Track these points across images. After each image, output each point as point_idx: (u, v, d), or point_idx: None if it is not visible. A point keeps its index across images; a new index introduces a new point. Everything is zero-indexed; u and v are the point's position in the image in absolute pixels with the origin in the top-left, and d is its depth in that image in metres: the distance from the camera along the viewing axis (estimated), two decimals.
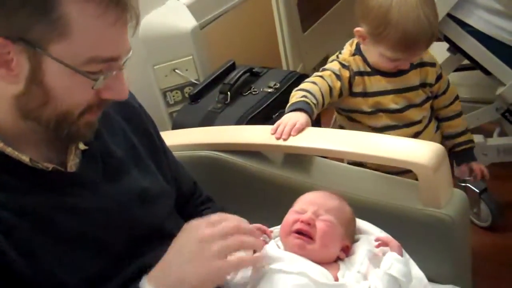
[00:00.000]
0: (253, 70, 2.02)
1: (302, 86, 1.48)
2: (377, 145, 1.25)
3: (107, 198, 0.99)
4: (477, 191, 1.90)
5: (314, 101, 1.42)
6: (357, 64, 1.53)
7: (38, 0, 0.81)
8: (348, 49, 1.61)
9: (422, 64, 1.54)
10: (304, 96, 1.43)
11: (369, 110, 1.50)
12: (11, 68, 0.84)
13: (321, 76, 1.50)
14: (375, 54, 1.48)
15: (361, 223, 1.15)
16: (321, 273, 1.00)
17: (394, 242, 1.08)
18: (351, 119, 1.55)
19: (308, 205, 1.08)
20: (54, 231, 0.91)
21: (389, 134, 1.47)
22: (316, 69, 2.53)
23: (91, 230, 0.95)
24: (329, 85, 1.47)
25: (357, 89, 1.51)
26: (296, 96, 1.45)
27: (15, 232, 0.87)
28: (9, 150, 0.90)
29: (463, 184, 1.85)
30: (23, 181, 0.90)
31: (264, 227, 1.10)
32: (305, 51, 2.24)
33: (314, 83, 1.48)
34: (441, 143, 1.44)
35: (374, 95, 1.50)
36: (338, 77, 1.49)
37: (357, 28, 1.50)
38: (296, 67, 2.19)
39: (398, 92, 1.51)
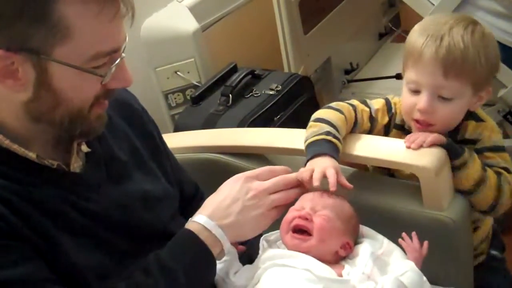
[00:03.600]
0: (255, 72, 2.03)
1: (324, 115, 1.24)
2: (379, 148, 1.24)
3: (110, 201, 1.00)
4: None
5: (338, 136, 1.20)
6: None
7: (35, 8, 0.81)
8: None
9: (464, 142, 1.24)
10: (327, 132, 1.19)
11: None
12: (17, 77, 0.85)
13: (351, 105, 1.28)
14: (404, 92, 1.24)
15: (364, 229, 1.15)
16: (325, 269, 1.01)
17: (417, 252, 1.08)
18: None
19: (307, 202, 1.09)
20: (64, 222, 0.92)
21: None
22: (317, 71, 2.53)
23: (95, 229, 0.96)
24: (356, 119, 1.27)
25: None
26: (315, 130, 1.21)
27: (31, 219, 0.89)
28: (15, 147, 0.91)
29: None
30: (31, 176, 0.92)
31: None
32: (307, 53, 2.23)
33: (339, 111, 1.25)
34: None
35: None
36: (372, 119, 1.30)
37: None
38: (297, 69, 2.19)
39: None
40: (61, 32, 0.83)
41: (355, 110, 1.27)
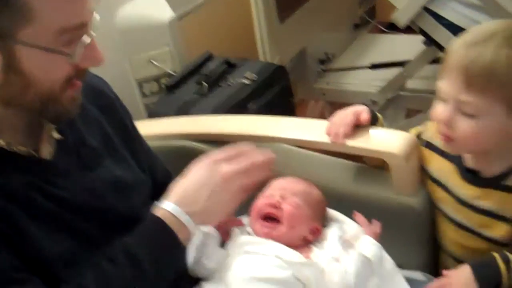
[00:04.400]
0: (230, 61, 2.03)
1: None
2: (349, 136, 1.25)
3: (81, 187, 0.99)
4: None
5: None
6: None
7: None
8: None
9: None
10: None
11: None
12: None
13: None
14: None
15: (333, 213, 1.17)
16: (294, 255, 1.03)
17: (371, 227, 1.10)
18: None
19: (276, 190, 1.10)
20: (32, 209, 0.91)
21: None
22: (293, 61, 2.54)
23: (64, 216, 0.95)
24: None
25: None
26: None
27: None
28: None
29: None
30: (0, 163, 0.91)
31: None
32: (282, 43, 2.24)
33: None
34: None
35: None
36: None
37: None
38: (273, 59, 2.19)
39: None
40: (24, 14, 0.82)
41: None
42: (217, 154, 1.08)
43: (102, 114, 1.11)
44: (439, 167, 1.16)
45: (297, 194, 1.10)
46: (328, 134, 1.22)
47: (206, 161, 1.07)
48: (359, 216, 1.12)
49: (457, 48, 1.02)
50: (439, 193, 1.17)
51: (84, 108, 1.05)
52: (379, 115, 1.24)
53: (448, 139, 1.06)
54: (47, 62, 0.86)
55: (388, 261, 1.07)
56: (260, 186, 1.11)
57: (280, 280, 0.99)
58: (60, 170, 0.98)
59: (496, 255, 1.04)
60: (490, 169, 1.08)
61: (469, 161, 1.11)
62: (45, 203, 0.93)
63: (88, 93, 1.06)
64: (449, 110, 1.03)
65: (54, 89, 0.90)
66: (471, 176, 1.10)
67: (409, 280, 1.08)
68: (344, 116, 1.22)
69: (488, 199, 1.08)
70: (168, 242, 0.99)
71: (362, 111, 1.21)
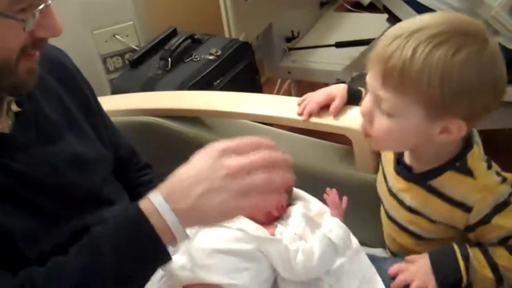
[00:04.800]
0: (195, 37, 2.01)
1: None
2: None
3: (40, 161, 0.97)
4: None
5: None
6: None
7: None
8: None
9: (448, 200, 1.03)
10: None
11: None
12: None
13: None
14: None
15: (298, 192, 1.17)
16: (258, 229, 1.03)
17: (339, 208, 1.11)
18: None
19: None
20: None
21: None
22: (259, 38, 2.53)
23: (22, 191, 0.93)
24: None
25: None
26: None
27: None
28: None
29: None
30: None
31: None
32: (248, 19, 2.23)
33: None
34: None
35: None
36: None
37: None
38: (238, 35, 2.18)
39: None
40: None
41: None
42: (228, 143, 0.88)
43: (63, 87, 1.09)
44: (384, 152, 1.14)
45: None
46: (298, 110, 1.22)
47: (212, 149, 0.88)
48: (330, 196, 1.12)
49: (382, 40, 0.94)
50: (380, 178, 1.15)
51: (43, 81, 1.03)
52: (363, 90, 1.22)
53: (367, 134, 1.01)
54: (1, 28, 0.84)
55: (353, 240, 1.09)
56: (277, 194, 0.87)
57: (242, 252, 1.00)
58: (18, 144, 0.96)
59: (456, 248, 1.02)
60: (420, 166, 1.04)
61: (405, 154, 1.08)
62: (3, 179, 0.91)
63: (47, 65, 1.04)
64: (369, 105, 0.99)
65: (9, 59, 0.87)
66: (401, 168, 1.06)
67: (371, 258, 1.10)
68: (317, 94, 1.23)
69: (412, 195, 1.05)
70: (144, 239, 0.86)
71: (336, 96, 1.21)
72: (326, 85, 2.56)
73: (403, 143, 1.01)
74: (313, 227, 1.08)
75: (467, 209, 0.99)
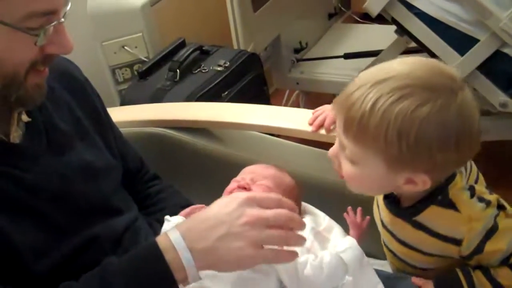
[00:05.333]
0: (203, 48, 2.02)
1: None
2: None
3: (50, 171, 0.98)
4: None
5: None
6: None
7: None
8: None
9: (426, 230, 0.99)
10: None
11: None
12: None
13: None
14: None
15: (306, 206, 1.17)
16: None
17: (358, 229, 1.10)
18: None
19: (247, 173, 1.11)
20: (1, 199, 0.90)
21: None
22: (267, 49, 2.54)
23: (32, 202, 0.94)
24: None
25: None
26: None
27: None
28: None
29: None
30: None
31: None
32: (256, 30, 2.24)
33: None
34: None
35: None
36: None
37: None
38: (246, 46, 2.19)
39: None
40: None
41: None
42: (253, 194, 0.94)
43: (73, 97, 1.09)
44: None
45: (268, 177, 1.10)
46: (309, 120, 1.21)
47: (236, 196, 0.91)
48: (350, 215, 1.11)
49: (348, 86, 0.91)
50: (375, 207, 1.11)
51: (54, 91, 1.04)
52: None
53: (340, 175, 0.98)
54: (11, 40, 0.84)
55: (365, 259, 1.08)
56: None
57: None
58: (28, 154, 0.96)
59: (461, 276, 0.99)
60: (405, 200, 1.00)
61: None
62: (13, 190, 0.92)
63: (58, 77, 1.05)
64: (336, 148, 0.96)
65: (19, 72, 0.88)
66: (388, 201, 1.02)
67: (379, 273, 1.08)
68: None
69: (401, 230, 1.02)
70: (155, 274, 0.86)
71: None
72: (334, 96, 2.57)
73: (372, 189, 0.99)
74: (322, 242, 1.08)
75: (457, 242, 0.95)
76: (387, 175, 0.91)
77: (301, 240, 0.91)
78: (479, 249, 0.94)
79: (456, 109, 0.86)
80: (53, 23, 0.87)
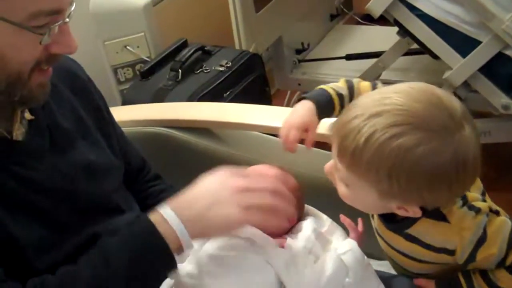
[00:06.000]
0: (205, 48, 2.02)
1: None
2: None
3: (52, 169, 0.98)
4: None
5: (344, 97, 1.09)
6: None
7: None
8: None
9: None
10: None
11: None
12: None
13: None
14: None
15: (309, 209, 1.17)
16: (266, 240, 1.03)
17: (355, 230, 1.09)
18: None
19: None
20: (3, 194, 0.90)
21: None
22: (269, 50, 2.54)
23: (34, 199, 0.94)
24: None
25: None
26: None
27: None
28: None
29: None
30: None
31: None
32: (258, 31, 2.24)
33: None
34: None
35: None
36: None
37: None
38: (248, 47, 2.19)
39: None
40: None
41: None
42: (238, 169, 0.99)
43: (76, 96, 1.10)
44: None
45: (270, 178, 1.09)
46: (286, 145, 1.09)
47: (221, 172, 0.97)
48: (345, 218, 1.11)
49: (345, 112, 0.90)
50: (371, 217, 1.10)
51: (57, 90, 1.04)
52: (335, 100, 1.09)
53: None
54: (16, 39, 0.85)
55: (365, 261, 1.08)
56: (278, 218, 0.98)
57: (250, 261, 0.99)
58: (31, 151, 0.96)
59: (463, 282, 0.98)
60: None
61: None
62: (15, 186, 0.92)
63: (61, 75, 1.05)
64: (330, 167, 0.96)
65: (23, 71, 0.88)
66: (381, 216, 1.02)
67: (380, 275, 1.08)
68: (294, 120, 1.08)
69: (395, 242, 1.01)
70: (153, 247, 0.90)
71: (310, 128, 1.07)
72: None
73: (366, 209, 1.00)
74: (324, 243, 1.07)
75: (450, 252, 0.95)
76: (379, 202, 0.91)
77: (289, 207, 0.95)
78: (471, 258, 0.94)
79: (451, 152, 0.84)
80: (58, 23, 0.87)
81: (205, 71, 1.94)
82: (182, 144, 1.40)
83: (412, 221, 0.96)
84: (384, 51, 2.29)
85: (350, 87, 1.09)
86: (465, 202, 0.95)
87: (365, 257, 1.07)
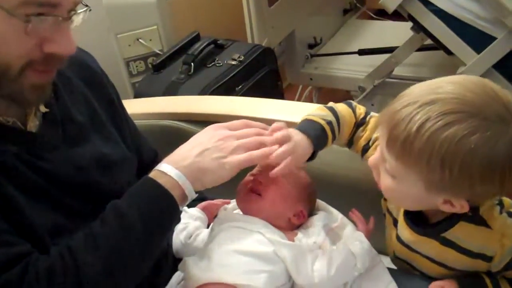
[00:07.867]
0: (218, 42, 2.02)
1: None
2: None
3: (66, 162, 0.98)
4: None
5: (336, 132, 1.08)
6: None
7: None
8: None
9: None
10: (329, 122, 1.07)
11: None
12: None
13: None
14: None
15: (320, 203, 1.17)
16: (277, 233, 1.04)
17: (364, 224, 1.09)
18: None
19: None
20: (18, 180, 0.91)
21: None
22: (281, 44, 2.54)
23: (50, 189, 0.95)
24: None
25: None
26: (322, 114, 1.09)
27: None
28: None
29: None
30: None
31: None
32: (271, 25, 2.24)
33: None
34: None
35: None
36: None
37: None
38: (261, 41, 2.19)
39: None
40: None
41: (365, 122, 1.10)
42: (223, 123, 1.08)
43: (89, 89, 1.09)
44: None
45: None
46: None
47: (209, 127, 1.07)
48: (355, 212, 1.11)
49: (395, 100, 0.88)
50: (389, 219, 1.09)
51: (71, 82, 1.04)
52: (329, 132, 1.07)
53: (378, 185, 0.97)
54: (5, 27, 0.81)
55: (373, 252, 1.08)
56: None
57: (260, 254, 1.00)
58: (45, 143, 0.97)
59: (488, 283, 0.96)
60: (431, 215, 0.98)
61: None
62: (30, 175, 0.92)
63: (75, 68, 1.05)
64: (376, 159, 0.95)
65: (12, 65, 0.85)
66: (410, 218, 1.00)
67: (391, 272, 1.08)
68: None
69: (427, 248, 1.00)
70: (160, 198, 0.97)
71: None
72: (348, 92, 2.57)
73: (409, 204, 0.97)
74: (334, 239, 1.08)
75: (487, 259, 0.94)
76: (426, 195, 0.89)
77: (273, 149, 1.01)
78: (510, 266, 0.93)
79: (506, 143, 0.82)
80: (52, 16, 0.84)
81: (217, 64, 1.94)
82: None
83: (449, 224, 0.95)
84: (397, 46, 2.27)
85: (334, 112, 1.08)
86: (502, 207, 0.94)
87: (375, 251, 1.07)
